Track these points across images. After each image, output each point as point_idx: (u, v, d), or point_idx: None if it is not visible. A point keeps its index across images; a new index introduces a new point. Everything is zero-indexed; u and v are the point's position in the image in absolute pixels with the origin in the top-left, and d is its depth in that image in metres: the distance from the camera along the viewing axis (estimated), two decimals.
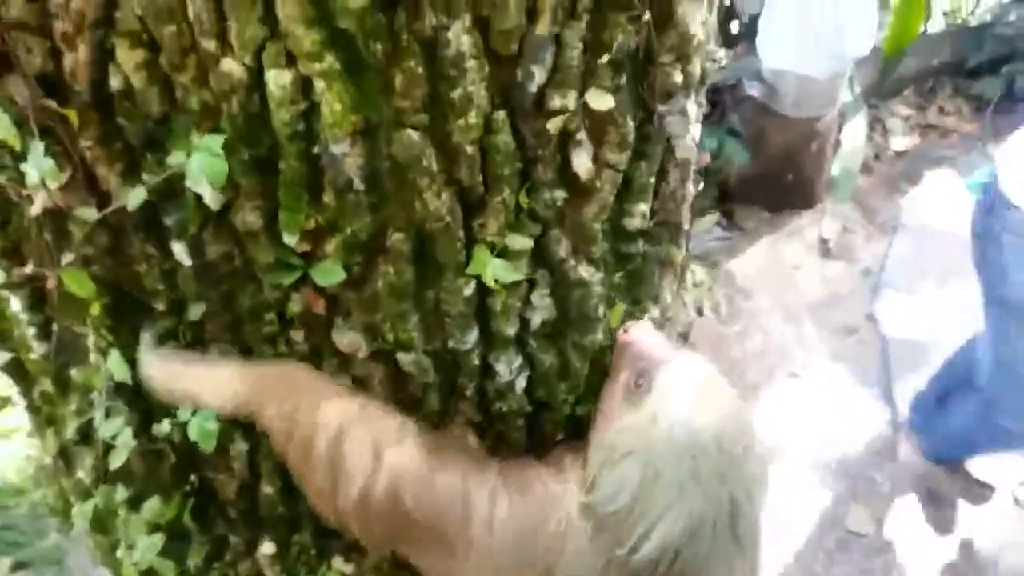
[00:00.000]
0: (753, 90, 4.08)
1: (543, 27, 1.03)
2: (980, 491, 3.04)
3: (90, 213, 1.12)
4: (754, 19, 4.01)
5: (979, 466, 3.08)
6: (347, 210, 1.10)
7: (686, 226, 1.39)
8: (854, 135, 4.39)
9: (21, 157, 1.06)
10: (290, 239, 1.12)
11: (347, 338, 1.22)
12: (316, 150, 1.07)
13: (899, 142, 5.05)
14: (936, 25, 5.74)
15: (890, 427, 3.32)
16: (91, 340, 1.29)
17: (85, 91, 1.07)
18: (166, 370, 1.22)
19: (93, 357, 1.31)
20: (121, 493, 1.40)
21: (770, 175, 4.26)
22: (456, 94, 1.03)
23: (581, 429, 1.31)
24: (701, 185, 1.48)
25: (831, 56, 3.75)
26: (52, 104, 1.06)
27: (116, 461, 1.26)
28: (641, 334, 1.22)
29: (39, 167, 1.04)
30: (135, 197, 1.10)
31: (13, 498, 2.86)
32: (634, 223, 1.26)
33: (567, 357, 1.30)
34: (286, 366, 1.24)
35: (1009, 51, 5.27)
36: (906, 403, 3.30)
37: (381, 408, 1.22)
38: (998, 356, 2.42)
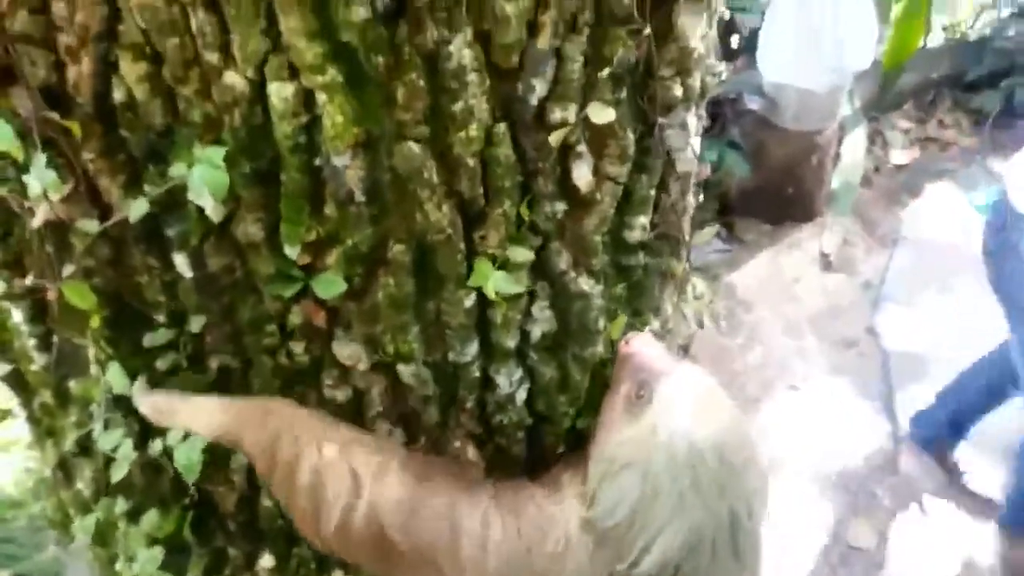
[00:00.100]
0: (753, 103, 4.10)
1: (544, 41, 1.03)
2: (982, 505, 3.03)
3: (92, 225, 1.13)
4: (754, 33, 4.03)
5: (980, 479, 3.07)
6: (348, 222, 1.10)
7: (687, 238, 1.39)
8: (854, 148, 4.41)
9: (24, 169, 1.06)
10: (291, 251, 1.13)
11: (348, 350, 1.22)
12: (318, 162, 1.07)
13: (899, 155, 5.07)
14: (936, 39, 5.77)
15: (891, 440, 3.32)
16: (91, 352, 1.29)
17: (88, 103, 1.08)
18: (157, 405, 1.24)
19: (93, 369, 1.31)
20: (121, 505, 1.40)
21: (770, 188, 4.27)
22: (457, 107, 1.04)
23: (581, 442, 1.31)
24: (701, 197, 1.48)
25: (831, 70, 3.77)
26: (55, 116, 1.06)
27: (117, 474, 1.26)
28: (642, 346, 1.22)
29: (41, 179, 1.05)
30: (137, 209, 1.10)
31: (11, 511, 2.86)
32: (634, 235, 1.26)
33: (567, 369, 1.30)
34: (269, 399, 1.26)
35: (1008, 65, 5.30)
36: (907, 416, 3.29)
37: (365, 436, 1.23)
38: None
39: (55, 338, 1.34)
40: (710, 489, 1.06)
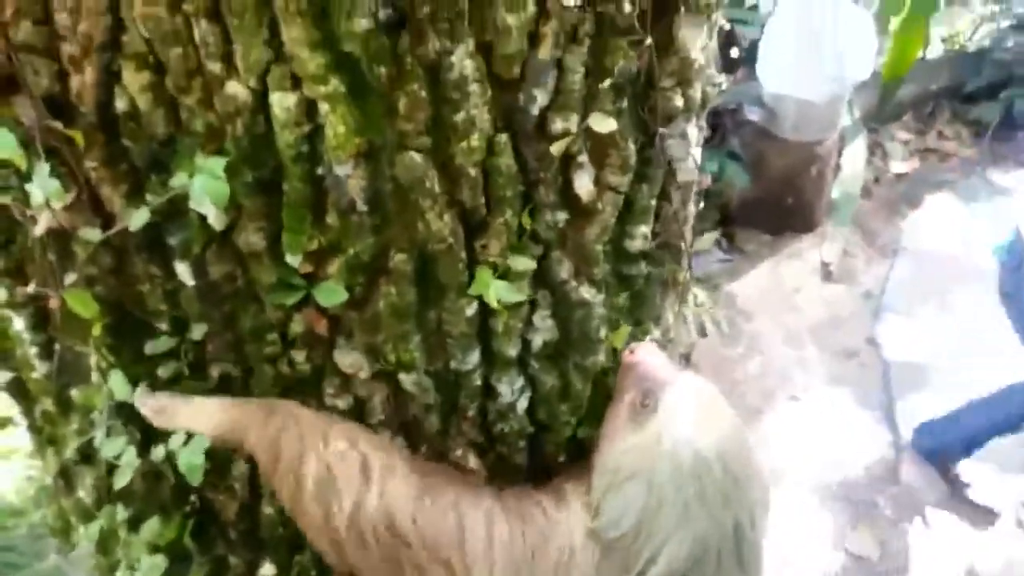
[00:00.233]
0: (753, 114, 4.12)
1: (545, 52, 1.04)
2: (983, 515, 3.03)
3: (94, 233, 1.13)
4: (754, 45, 4.05)
5: (981, 490, 3.07)
6: (350, 231, 1.11)
7: (688, 248, 1.40)
8: (854, 159, 4.42)
9: (26, 177, 1.06)
10: (293, 260, 1.13)
11: (349, 358, 1.22)
12: (320, 172, 1.08)
13: (899, 166, 5.08)
14: (935, 51, 5.80)
15: (892, 450, 3.31)
16: (93, 360, 1.30)
17: (91, 112, 1.08)
18: (158, 406, 1.24)
19: (95, 377, 1.32)
20: (122, 513, 1.39)
21: (770, 198, 4.28)
22: (459, 117, 1.04)
23: (582, 451, 1.31)
24: (701, 205, 1.49)
25: (830, 81, 3.78)
26: (58, 125, 1.07)
27: (120, 481, 1.26)
28: (646, 355, 1.22)
29: (44, 187, 1.05)
30: (139, 218, 1.10)
31: (12, 519, 2.85)
32: (636, 245, 1.26)
33: (568, 378, 1.30)
34: (271, 399, 1.26)
35: (1007, 76, 5.32)
36: (908, 426, 3.29)
37: (368, 431, 1.23)
38: None
39: (57, 346, 1.34)
40: (715, 499, 1.06)
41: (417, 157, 1.05)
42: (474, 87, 1.03)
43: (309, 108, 1.03)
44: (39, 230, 1.10)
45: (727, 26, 4.33)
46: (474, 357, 1.24)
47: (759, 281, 4.21)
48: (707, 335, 3.78)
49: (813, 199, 4.35)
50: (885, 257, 4.39)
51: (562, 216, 1.18)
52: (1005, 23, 5.74)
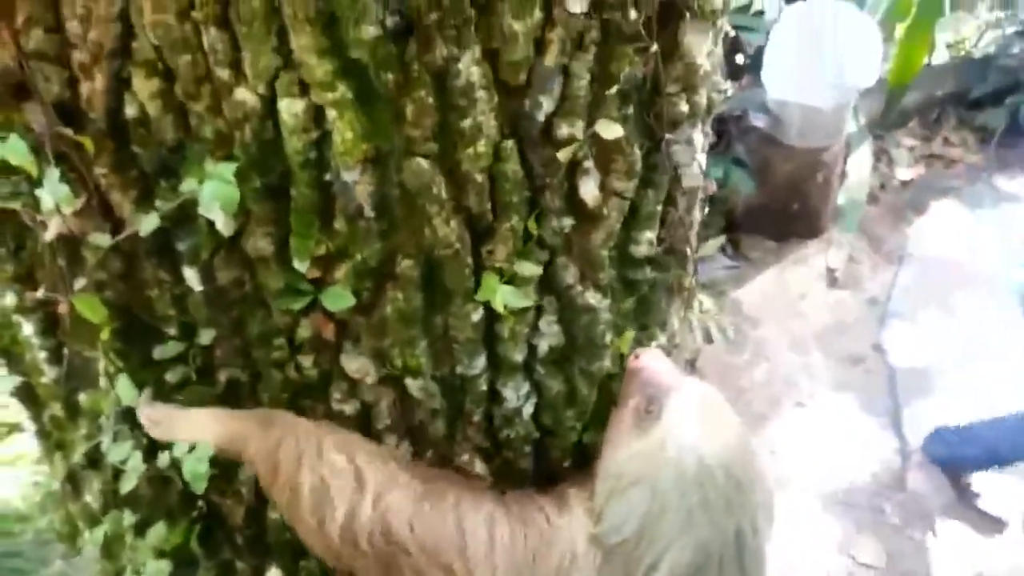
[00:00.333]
0: (758, 121, 4.11)
1: (551, 58, 1.04)
2: (991, 523, 3.01)
3: (103, 239, 1.14)
4: (759, 52, 4.05)
5: (989, 499, 3.06)
6: (357, 236, 1.11)
7: (693, 253, 1.40)
8: (860, 165, 4.41)
9: (37, 183, 1.07)
10: (301, 265, 1.14)
11: (356, 363, 1.22)
12: (327, 177, 1.09)
13: (904, 172, 5.07)
14: (940, 57, 5.80)
15: (898, 456, 3.30)
16: (101, 365, 1.30)
17: (101, 119, 1.09)
18: (155, 417, 1.24)
19: (103, 382, 1.32)
20: (129, 518, 1.40)
21: (776, 205, 4.28)
22: (466, 123, 1.05)
23: (588, 457, 1.31)
24: (706, 210, 1.49)
25: (835, 87, 3.78)
26: (68, 131, 1.08)
27: (126, 486, 1.26)
28: (651, 360, 1.22)
29: (54, 193, 1.06)
30: (148, 223, 1.11)
31: (18, 525, 2.86)
32: (641, 250, 1.27)
33: (574, 384, 1.31)
34: (269, 410, 1.27)
35: (1013, 82, 5.31)
36: (916, 431, 3.28)
37: (366, 440, 1.24)
38: None
39: (65, 351, 1.35)
40: (718, 506, 1.06)
41: (424, 163, 1.06)
42: (481, 93, 1.03)
43: (317, 114, 1.04)
44: (49, 235, 1.11)
45: (732, 33, 4.34)
46: (480, 362, 1.24)
47: (765, 287, 4.20)
48: (713, 342, 3.78)
49: (819, 205, 4.34)
50: (891, 263, 4.38)
51: (568, 222, 1.19)
52: (1011, 29, 5.74)
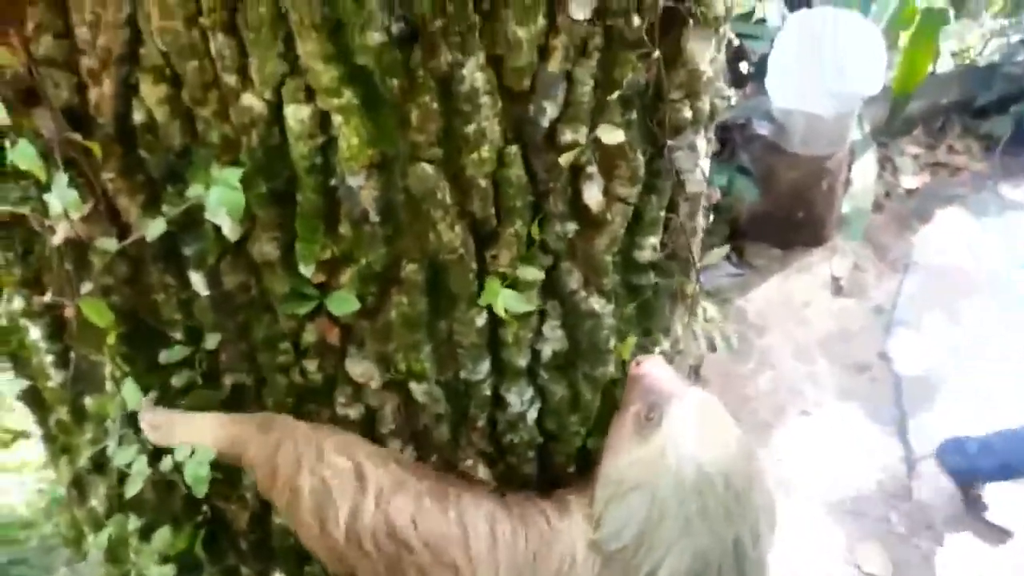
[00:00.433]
0: (763, 129, 4.12)
1: (555, 64, 1.05)
2: (997, 533, 3.00)
3: (110, 243, 1.15)
4: (763, 59, 4.06)
5: (996, 509, 3.04)
6: (362, 241, 1.12)
7: (696, 259, 1.40)
8: (864, 173, 4.41)
9: (45, 188, 1.08)
10: (306, 269, 1.14)
11: (360, 368, 1.23)
12: (333, 183, 1.09)
13: (909, 180, 5.06)
14: (945, 65, 5.80)
15: (904, 465, 3.29)
16: (107, 369, 1.31)
17: (109, 124, 1.10)
18: (155, 422, 1.25)
19: (109, 386, 1.33)
20: (133, 523, 1.40)
21: (780, 212, 4.28)
22: (470, 129, 1.05)
23: (591, 462, 1.31)
24: (711, 218, 1.49)
25: (839, 95, 3.79)
26: (77, 137, 1.09)
27: (131, 489, 1.27)
28: (653, 367, 1.23)
29: (62, 198, 1.07)
30: (155, 228, 1.12)
31: (23, 531, 2.86)
32: (644, 255, 1.27)
33: (578, 389, 1.31)
34: (268, 414, 1.27)
35: (1017, 90, 5.31)
36: (920, 440, 3.27)
37: (365, 441, 1.24)
38: None
39: (72, 355, 1.36)
40: (717, 514, 1.06)
41: (429, 168, 1.07)
42: (485, 99, 1.04)
43: (323, 120, 1.05)
44: (57, 240, 1.12)
45: (736, 41, 4.35)
46: (484, 367, 1.25)
47: (769, 295, 4.20)
48: (716, 350, 3.77)
49: (823, 213, 4.34)
50: (896, 271, 4.37)
51: (571, 227, 1.19)
52: (1016, 37, 5.74)
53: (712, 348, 3.69)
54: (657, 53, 1.10)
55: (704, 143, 1.29)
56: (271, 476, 1.17)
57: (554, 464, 1.37)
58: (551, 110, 1.09)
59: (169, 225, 1.13)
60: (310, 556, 1.42)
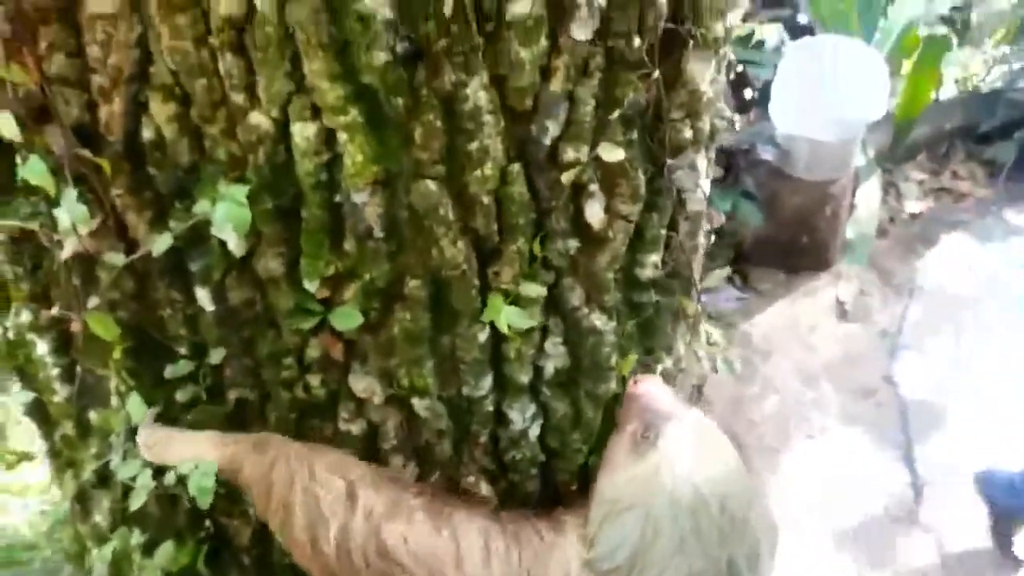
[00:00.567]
0: (767, 154, 4.14)
1: (557, 84, 1.07)
2: (1008, 560, 2.97)
3: (118, 258, 1.16)
4: (767, 85, 4.09)
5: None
6: (366, 257, 1.13)
7: (697, 278, 1.41)
8: (869, 198, 4.42)
9: (55, 203, 1.10)
10: (310, 285, 1.15)
11: (363, 383, 1.24)
12: (338, 199, 1.11)
13: (913, 206, 5.07)
14: (948, 91, 5.82)
15: (911, 490, 3.27)
16: (113, 383, 1.32)
17: (118, 141, 1.12)
18: (151, 440, 1.26)
19: (114, 400, 1.34)
20: (136, 538, 1.41)
21: (785, 237, 4.29)
22: (473, 147, 1.07)
23: (592, 480, 1.31)
24: (713, 239, 1.50)
25: (842, 121, 3.81)
26: (87, 153, 1.11)
27: (135, 503, 1.27)
28: (650, 387, 1.23)
29: (71, 213, 1.09)
30: (161, 243, 1.14)
31: (27, 553, 2.86)
32: (646, 273, 1.28)
33: (580, 406, 1.31)
34: (264, 434, 1.28)
35: (1021, 116, 5.32)
36: (926, 466, 3.25)
37: (358, 461, 1.24)
38: None
39: (78, 369, 1.37)
40: (710, 536, 1.06)
41: (432, 185, 1.08)
42: (488, 118, 1.06)
43: (328, 138, 1.06)
44: (65, 254, 1.13)
45: (740, 68, 4.39)
46: (486, 383, 1.25)
47: (774, 320, 4.19)
48: (720, 375, 3.76)
49: (827, 238, 4.35)
50: (901, 296, 4.36)
51: (573, 244, 1.20)
52: (1018, 64, 5.77)
53: (714, 369, 3.68)
54: (657, 73, 1.12)
55: (704, 163, 1.30)
56: (266, 495, 1.18)
57: (556, 481, 1.37)
58: (553, 129, 1.10)
59: (176, 240, 1.15)
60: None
